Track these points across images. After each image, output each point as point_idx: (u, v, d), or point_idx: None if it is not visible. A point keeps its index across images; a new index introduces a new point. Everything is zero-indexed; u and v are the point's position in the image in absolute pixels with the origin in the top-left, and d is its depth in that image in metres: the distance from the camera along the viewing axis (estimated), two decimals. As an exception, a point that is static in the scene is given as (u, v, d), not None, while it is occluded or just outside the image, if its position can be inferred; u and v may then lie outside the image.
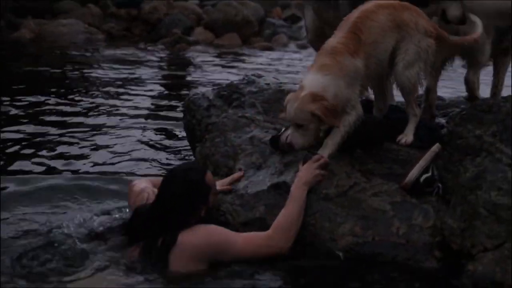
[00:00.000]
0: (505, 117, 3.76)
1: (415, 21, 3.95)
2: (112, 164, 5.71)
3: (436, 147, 3.90)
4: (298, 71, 11.43)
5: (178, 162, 5.66)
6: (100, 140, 6.38)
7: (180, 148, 6.14)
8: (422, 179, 3.77)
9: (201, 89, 5.31)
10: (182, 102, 5.81)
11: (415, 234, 3.54)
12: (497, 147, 3.63)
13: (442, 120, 4.56)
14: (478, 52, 4.60)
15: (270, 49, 15.69)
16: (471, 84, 4.85)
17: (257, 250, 3.49)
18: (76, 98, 8.45)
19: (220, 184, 3.93)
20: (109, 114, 7.64)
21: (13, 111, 7.43)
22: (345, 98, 3.77)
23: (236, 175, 4.06)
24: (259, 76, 5.12)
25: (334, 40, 3.85)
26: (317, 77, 3.73)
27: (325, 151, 3.81)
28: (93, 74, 10.16)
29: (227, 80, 5.94)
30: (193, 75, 11.13)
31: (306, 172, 3.70)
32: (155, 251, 3.45)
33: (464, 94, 5.24)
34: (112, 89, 9.08)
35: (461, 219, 3.44)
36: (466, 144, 3.80)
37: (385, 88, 4.33)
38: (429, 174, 3.79)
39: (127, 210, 3.92)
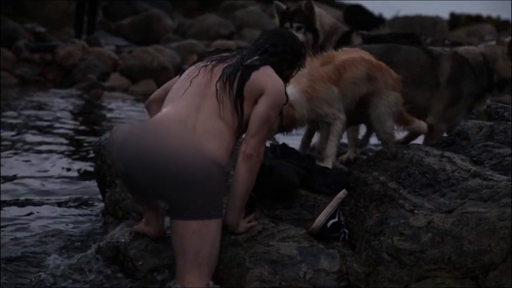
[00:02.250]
0: (407, 164, 3.92)
1: (385, 80, 4.48)
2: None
3: (342, 193, 4.00)
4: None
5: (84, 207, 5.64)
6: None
7: (89, 193, 6.03)
8: (329, 224, 3.85)
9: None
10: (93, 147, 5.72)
11: (322, 279, 3.58)
12: (400, 193, 3.75)
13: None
14: None
15: (186, 96, 15.62)
16: None
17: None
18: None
19: None
20: (18, 159, 7.44)
21: None
22: (317, 114, 4.43)
23: None
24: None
25: (322, 69, 4.42)
26: (292, 92, 4.21)
27: (327, 163, 4.47)
28: (2, 119, 9.87)
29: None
30: (106, 121, 10.98)
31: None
32: (242, 68, 3.66)
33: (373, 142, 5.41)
34: (23, 135, 8.83)
35: (366, 264, 3.51)
36: (371, 191, 3.92)
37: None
38: (336, 219, 3.88)
39: None
